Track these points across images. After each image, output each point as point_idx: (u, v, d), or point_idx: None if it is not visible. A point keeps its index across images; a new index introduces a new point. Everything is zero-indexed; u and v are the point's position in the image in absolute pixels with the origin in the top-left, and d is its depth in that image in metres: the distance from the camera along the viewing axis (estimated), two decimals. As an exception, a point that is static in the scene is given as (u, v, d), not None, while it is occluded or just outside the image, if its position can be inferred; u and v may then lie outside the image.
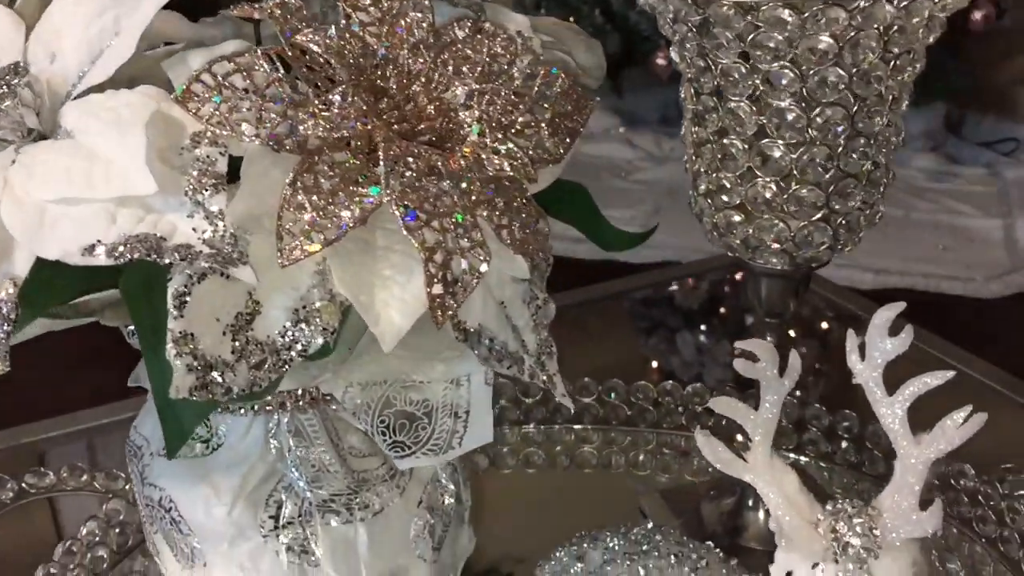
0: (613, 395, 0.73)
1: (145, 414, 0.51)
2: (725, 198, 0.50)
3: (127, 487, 0.64)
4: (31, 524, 0.62)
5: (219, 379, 0.34)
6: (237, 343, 0.34)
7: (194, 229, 0.33)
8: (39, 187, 0.34)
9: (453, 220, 0.36)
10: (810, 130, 0.47)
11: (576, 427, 0.74)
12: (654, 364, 0.88)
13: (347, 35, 0.37)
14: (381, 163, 0.34)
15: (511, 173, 0.38)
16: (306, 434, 0.47)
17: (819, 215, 0.49)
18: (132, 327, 0.45)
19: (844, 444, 0.68)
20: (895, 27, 0.44)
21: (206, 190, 0.34)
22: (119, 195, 0.33)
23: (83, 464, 0.63)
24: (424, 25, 0.39)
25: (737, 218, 0.50)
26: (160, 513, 0.48)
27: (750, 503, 0.60)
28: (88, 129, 0.35)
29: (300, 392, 0.46)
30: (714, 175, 0.50)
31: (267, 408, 0.46)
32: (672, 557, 0.48)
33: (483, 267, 0.36)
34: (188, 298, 0.33)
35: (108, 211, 0.33)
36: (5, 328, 0.33)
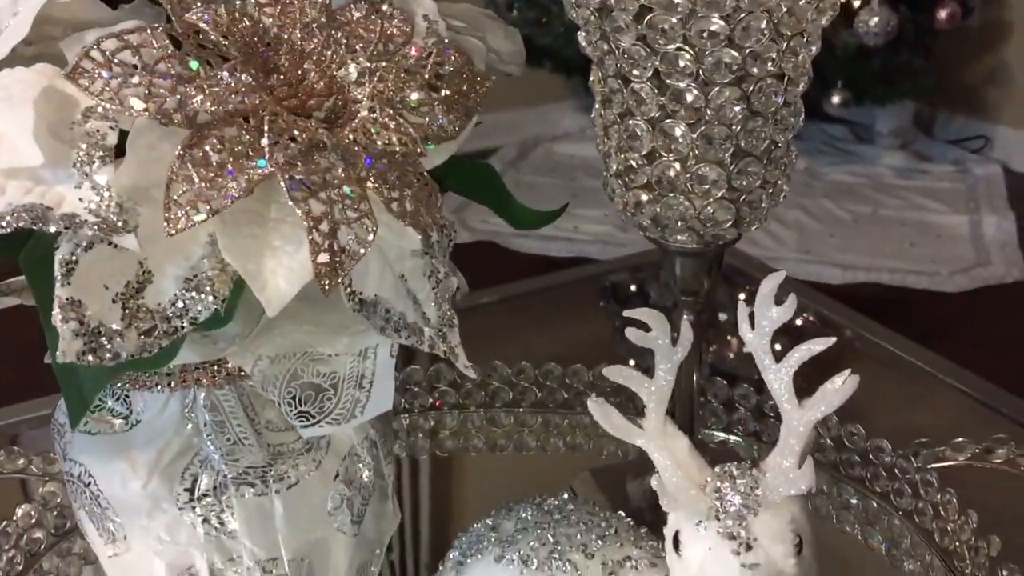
0: (550, 379, 0.75)
1: (69, 395, 0.52)
2: (633, 178, 0.52)
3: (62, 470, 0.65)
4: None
5: (107, 344, 0.35)
6: (127, 310, 0.36)
7: (81, 199, 0.35)
8: (-68, 160, 0.35)
9: (341, 192, 0.37)
10: (708, 110, 0.48)
11: (516, 411, 0.75)
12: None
13: (237, 14, 0.38)
14: (266, 136, 0.36)
15: (399, 148, 0.39)
16: (222, 409, 0.48)
17: (721, 193, 0.50)
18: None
19: (772, 422, 0.70)
20: (783, 9, 0.46)
21: (94, 162, 0.35)
22: (7, 167, 0.35)
23: (19, 448, 0.64)
24: (318, 5, 0.40)
25: (645, 197, 0.52)
26: (80, 488, 0.49)
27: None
28: (-17, 105, 0.36)
29: (216, 368, 0.47)
30: (622, 155, 0.52)
31: (184, 384, 0.48)
32: (581, 524, 0.49)
33: (369, 237, 0.37)
34: (75, 266, 0.35)
35: (-1, 183, 0.35)
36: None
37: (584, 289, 1.00)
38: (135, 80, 0.36)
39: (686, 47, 0.47)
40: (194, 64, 0.36)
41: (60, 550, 0.63)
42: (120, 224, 0.34)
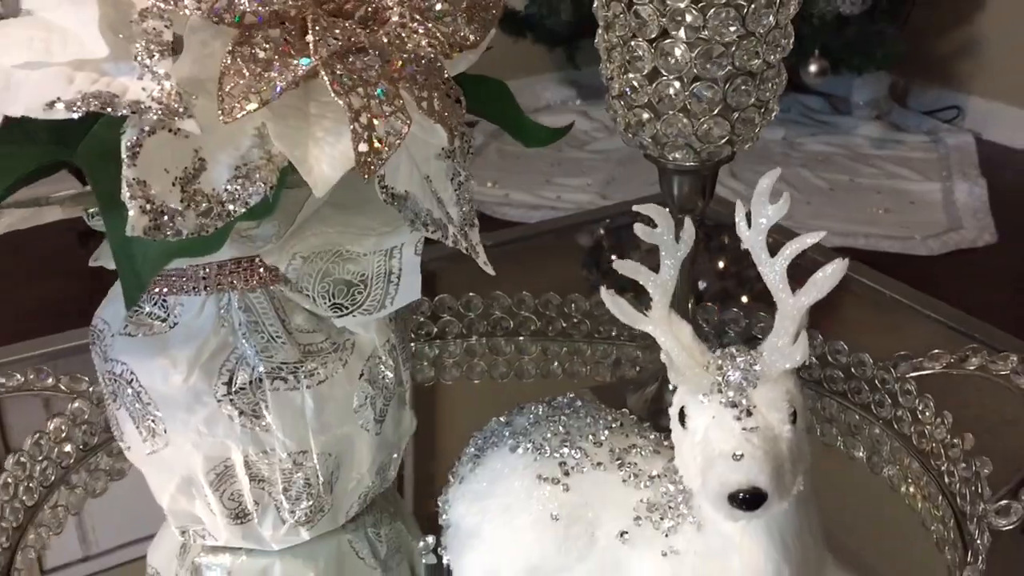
0: (549, 309, 0.79)
1: (107, 302, 0.55)
2: (635, 98, 0.55)
3: (91, 389, 0.68)
4: (4, 421, 0.66)
5: (169, 222, 0.38)
6: (185, 193, 0.39)
7: (143, 88, 0.38)
8: (3, 54, 0.38)
9: (376, 88, 0.40)
10: (706, 30, 0.52)
11: (517, 339, 0.79)
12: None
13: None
14: (311, 34, 0.39)
15: (430, 51, 0.42)
16: (255, 311, 0.51)
17: (717, 111, 0.54)
18: (93, 211, 0.49)
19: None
20: (777, -69, 0.50)
21: (153, 56, 0.38)
22: (75, 59, 0.38)
23: (47, 368, 0.68)
24: (351, -78, 0.43)
25: (646, 116, 0.55)
26: (122, 386, 0.52)
27: (669, 387, 0.66)
28: (46, 6, 0.39)
29: (249, 272, 0.51)
30: (624, 77, 0.55)
31: (219, 288, 0.51)
32: (589, 418, 0.53)
33: (404, 129, 0.40)
34: (139, 150, 0.38)
35: (66, 74, 0.38)
36: (-22, 179, 0.38)
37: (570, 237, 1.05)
38: (185, -16, 0.39)
39: (686, -30, 0.50)
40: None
41: (88, 464, 0.66)
42: (181, 110, 0.37)
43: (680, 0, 0.51)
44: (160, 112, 0.37)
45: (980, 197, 2.43)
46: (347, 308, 0.48)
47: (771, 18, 0.53)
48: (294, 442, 0.53)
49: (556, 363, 0.78)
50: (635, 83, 0.55)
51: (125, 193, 0.38)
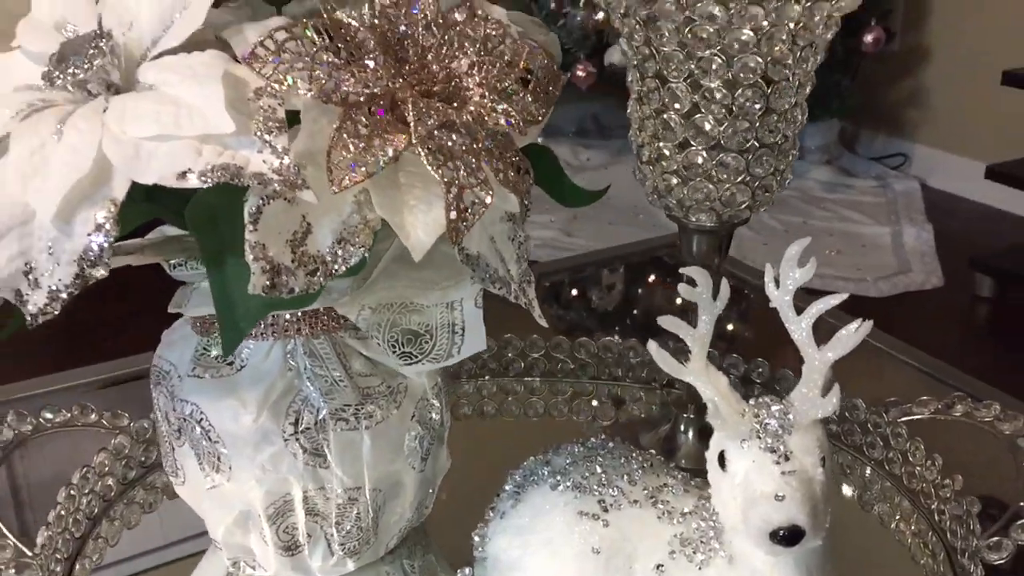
0: (559, 351, 0.83)
1: (169, 345, 0.58)
2: (664, 164, 0.61)
3: (131, 424, 0.71)
4: (49, 454, 0.69)
5: (285, 281, 0.42)
6: (295, 255, 0.43)
7: (264, 161, 0.42)
8: (134, 127, 0.42)
9: (464, 161, 0.45)
10: (734, 107, 0.58)
11: (526, 379, 0.83)
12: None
13: (376, 14, 0.46)
14: (410, 113, 0.44)
15: (506, 128, 0.47)
16: (319, 355, 0.55)
17: (740, 178, 0.60)
18: (174, 261, 0.53)
19: (757, 388, 0.80)
20: (801, 23, 0.55)
21: (272, 131, 0.42)
22: (201, 133, 0.42)
23: (91, 404, 0.71)
24: (433, 8, 0.48)
25: (674, 181, 0.61)
26: (190, 425, 0.56)
27: (681, 428, 0.71)
28: (169, 81, 0.43)
29: (314, 320, 0.55)
30: (655, 145, 0.61)
31: (286, 333, 0.55)
32: (623, 458, 0.58)
33: (487, 199, 0.45)
34: (259, 216, 0.42)
35: (194, 146, 0.42)
36: (108, 237, 0.42)
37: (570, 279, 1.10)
38: (299, 66, 0.44)
39: (720, 53, 0.56)
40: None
41: (127, 497, 0.69)
42: (299, 182, 0.42)
43: (712, 80, 0.57)
44: (280, 184, 0.41)
45: (927, 241, 2.54)
46: (415, 357, 0.52)
47: (791, 98, 0.58)
48: (351, 479, 0.57)
49: (563, 403, 0.82)
50: (666, 151, 0.60)
51: (248, 255, 0.42)
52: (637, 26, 0.57)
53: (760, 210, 0.62)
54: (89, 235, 0.42)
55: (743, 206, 0.61)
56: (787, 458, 0.48)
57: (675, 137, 0.59)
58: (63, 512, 0.63)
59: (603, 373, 0.83)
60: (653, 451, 0.60)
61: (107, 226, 0.42)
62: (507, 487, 0.60)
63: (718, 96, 0.57)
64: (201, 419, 0.55)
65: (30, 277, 0.43)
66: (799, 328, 0.52)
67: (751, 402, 0.51)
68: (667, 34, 0.56)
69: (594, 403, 0.82)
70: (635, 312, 1.05)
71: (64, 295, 0.43)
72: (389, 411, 0.56)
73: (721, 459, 0.50)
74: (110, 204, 0.42)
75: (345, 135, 0.43)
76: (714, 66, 0.56)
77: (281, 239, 0.43)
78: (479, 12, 0.50)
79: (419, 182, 0.46)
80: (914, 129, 2.92)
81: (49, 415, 0.68)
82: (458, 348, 0.52)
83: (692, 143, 0.59)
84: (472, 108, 0.47)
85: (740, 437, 0.49)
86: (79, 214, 0.42)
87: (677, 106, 0.58)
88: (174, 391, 0.57)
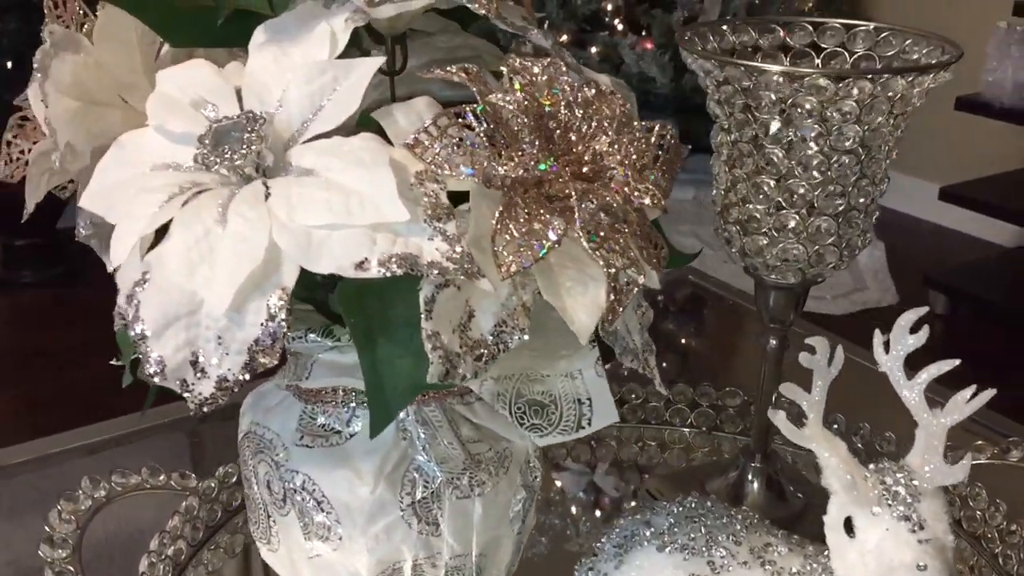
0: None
1: (266, 412, 0.58)
2: (754, 226, 0.62)
3: (198, 485, 0.70)
4: (119, 517, 0.68)
5: (457, 368, 0.42)
6: (462, 341, 0.43)
7: (437, 249, 0.42)
8: (304, 215, 0.42)
9: (615, 243, 0.45)
10: (829, 172, 0.59)
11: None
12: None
13: (527, 95, 0.46)
14: (573, 198, 0.44)
15: (650, 206, 0.48)
16: (431, 423, 0.55)
17: (831, 240, 0.61)
18: (296, 333, 0.53)
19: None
20: (900, 95, 0.57)
21: (440, 218, 0.42)
22: (374, 222, 0.42)
23: (157, 464, 0.69)
24: (575, 86, 0.49)
25: (763, 242, 0.62)
26: (302, 496, 0.55)
27: (749, 477, 0.72)
28: (333, 167, 0.43)
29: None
30: (747, 207, 0.62)
31: (396, 400, 0.55)
32: (724, 518, 0.58)
33: (640, 279, 0.46)
34: (432, 305, 0.42)
35: (368, 235, 0.42)
36: (281, 326, 0.41)
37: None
38: (461, 150, 0.44)
39: (820, 123, 0.57)
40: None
41: (198, 559, 0.68)
42: (476, 270, 0.42)
43: (809, 147, 0.58)
44: (456, 272, 0.41)
45: (879, 260, 2.61)
46: (545, 429, 0.52)
47: (883, 163, 0.60)
48: (460, 546, 0.57)
49: (627, 449, 0.83)
50: (756, 213, 0.61)
51: (427, 345, 0.42)
52: (736, 92, 0.59)
53: (842, 267, 0.64)
54: (262, 324, 0.41)
55: (830, 266, 0.62)
56: (922, 527, 0.49)
57: (768, 200, 0.61)
58: (148, 582, 0.62)
59: (663, 418, 0.84)
60: (746, 508, 0.61)
61: (280, 315, 0.41)
62: (604, 546, 0.60)
63: (815, 162, 0.59)
64: (314, 490, 0.55)
65: (197, 367, 0.42)
66: (912, 393, 0.53)
67: (871, 467, 0.53)
68: (769, 104, 0.57)
69: (642, 451, 0.83)
70: (682, 351, 1.07)
71: (233, 385, 0.42)
72: (499, 477, 0.57)
73: (846, 525, 0.52)
74: (281, 292, 0.42)
75: (508, 220, 0.43)
76: (812, 134, 0.58)
77: (450, 326, 0.43)
78: (602, 88, 0.51)
79: (570, 262, 0.46)
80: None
81: (120, 479, 0.66)
82: (588, 420, 0.53)
83: (784, 206, 0.60)
84: (615, 187, 0.47)
85: (869, 504, 0.51)
86: (251, 303, 0.41)
87: (772, 170, 0.60)
88: (280, 461, 0.56)
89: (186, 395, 0.42)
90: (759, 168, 0.60)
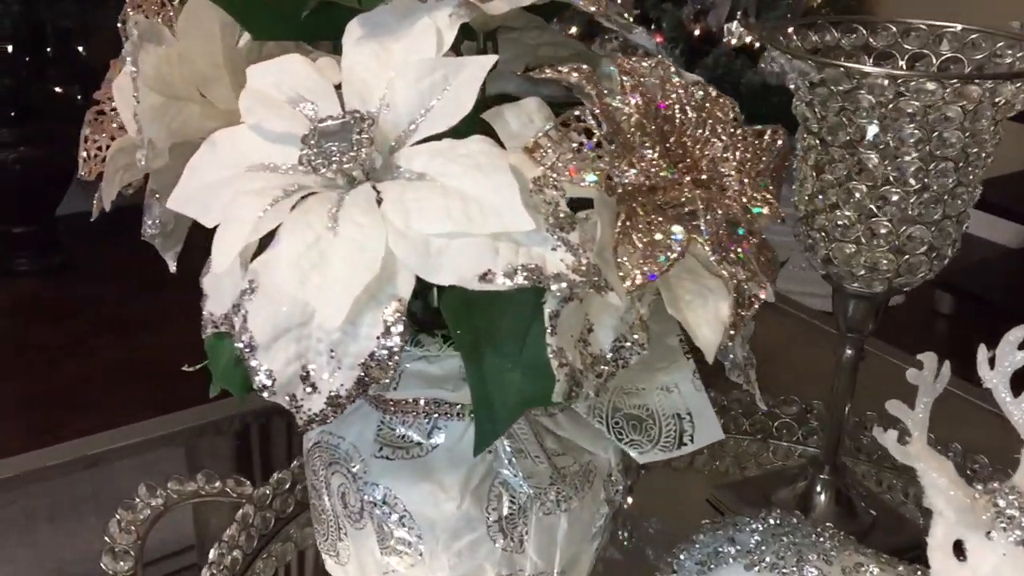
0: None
1: (342, 423, 0.55)
2: (842, 233, 0.60)
3: (253, 492, 0.67)
4: (174, 525, 0.65)
5: (581, 386, 0.40)
6: (583, 356, 0.41)
7: (561, 260, 0.40)
8: (422, 222, 0.39)
9: (736, 254, 0.43)
10: (926, 179, 0.57)
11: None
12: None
13: (646, 99, 0.44)
14: (699, 208, 0.42)
15: (766, 216, 0.46)
16: (517, 435, 0.53)
17: (923, 249, 0.59)
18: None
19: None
20: (1005, 100, 0.55)
21: (563, 227, 0.40)
22: (496, 231, 0.39)
23: (212, 471, 0.67)
24: (686, 87, 0.46)
25: (851, 250, 0.60)
26: (382, 510, 0.53)
27: (817, 489, 0.70)
28: (448, 172, 0.40)
29: (511, 399, 0.52)
30: (835, 213, 0.60)
31: (482, 412, 0.52)
32: (812, 536, 0.57)
33: (762, 293, 0.44)
34: (556, 320, 0.40)
35: (490, 244, 0.39)
36: (397, 339, 0.39)
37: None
38: (580, 156, 0.41)
39: (922, 128, 0.55)
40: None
41: (254, 568, 0.66)
42: (603, 283, 0.39)
43: (908, 153, 0.56)
44: (585, 286, 0.39)
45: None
46: (644, 445, 0.50)
47: (980, 169, 0.58)
48: (543, 562, 0.54)
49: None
50: (845, 220, 0.59)
51: (553, 363, 0.39)
52: (832, 95, 0.56)
53: (931, 275, 0.62)
54: (378, 338, 0.39)
55: (920, 276, 0.60)
56: (1041, 552, 0.47)
57: (859, 207, 0.58)
58: (209, 594, 0.60)
59: (734, 426, 0.82)
60: (830, 524, 0.59)
61: (396, 328, 0.39)
62: (685, 563, 0.59)
63: (912, 169, 0.56)
64: (395, 504, 0.52)
65: (307, 381, 0.40)
66: (1018, 411, 0.51)
67: (979, 488, 0.51)
68: (868, 107, 0.55)
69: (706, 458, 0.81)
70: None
71: (344, 401, 0.40)
72: (584, 492, 0.54)
73: (959, 549, 0.50)
74: (397, 303, 0.39)
75: (630, 229, 0.41)
76: (912, 140, 0.55)
77: (571, 341, 0.41)
78: (710, 90, 0.49)
79: (686, 274, 0.44)
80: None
81: (176, 486, 0.64)
82: (690, 436, 0.50)
83: (877, 213, 0.58)
84: (731, 195, 0.45)
85: (982, 528, 0.49)
86: (366, 315, 0.39)
87: (865, 176, 0.58)
88: (357, 473, 0.54)
89: (294, 411, 0.40)
90: (851, 173, 0.58)
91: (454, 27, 0.44)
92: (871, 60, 0.64)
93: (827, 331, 1.03)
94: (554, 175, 0.41)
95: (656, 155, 0.43)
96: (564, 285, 0.39)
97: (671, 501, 0.76)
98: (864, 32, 0.64)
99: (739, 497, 0.73)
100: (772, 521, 0.58)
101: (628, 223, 0.41)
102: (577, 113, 0.42)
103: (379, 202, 0.40)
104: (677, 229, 0.42)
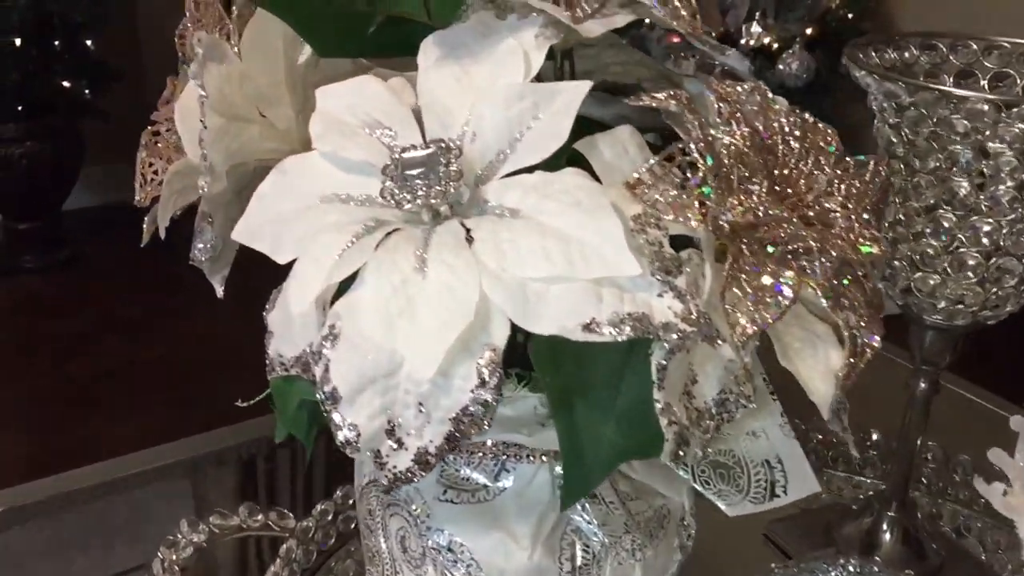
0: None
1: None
2: (929, 263, 0.56)
3: (296, 526, 0.64)
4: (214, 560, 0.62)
5: (691, 445, 0.37)
6: (688, 411, 0.38)
7: (669, 308, 0.36)
8: (518, 265, 0.36)
9: (848, 299, 0.40)
10: (1021, 208, 0.54)
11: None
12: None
13: (746, 128, 0.41)
14: (813, 248, 0.39)
15: (875, 256, 0.42)
16: (590, 480, 0.50)
17: (1012, 283, 0.56)
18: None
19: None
20: (1105, 124, 0.52)
21: (669, 271, 0.37)
22: (600, 276, 0.36)
23: (255, 504, 0.64)
24: (788, 115, 0.43)
25: (935, 281, 0.57)
26: (449, 558, 0.50)
27: (884, 527, 0.67)
28: (544, 209, 0.37)
29: (584, 440, 0.49)
30: (920, 242, 0.56)
31: (556, 456, 0.49)
32: (897, 584, 0.54)
33: (875, 341, 0.40)
34: (664, 372, 0.37)
35: (593, 290, 0.36)
36: (493, 392, 0.36)
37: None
38: (684, 192, 0.38)
39: (1020, 156, 0.52)
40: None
41: (296, 607, 0.63)
42: (715, 333, 0.36)
43: (1003, 181, 0.53)
44: (697, 336, 0.36)
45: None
46: (733, 496, 0.47)
47: (1077, 197, 0.55)
48: (617, 613, 0.51)
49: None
50: (930, 250, 0.56)
51: (662, 420, 0.36)
52: (921, 118, 0.53)
53: (1015, 310, 0.59)
54: (472, 391, 0.36)
55: (1007, 309, 0.57)
56: None
57: (947, 237, 0.55)
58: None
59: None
60: (910, 572, 0.56)
61: (492, 380, 0.36)
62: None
63: (1007, 198, 0.53)
64: (462, 551, 0.49)
65: (393, 436, 0.36)
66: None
67: (1082, 541, 0.48)
68: (962, 132, 0.52)
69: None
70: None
71: (433, 459, 0.36)
72: (658, 539, 0.51)
73: (1065, 608, 0.47)
74: (491, 353, 0.36)
75: (739, 274, 0.38)
76: (1009, 168, 0.52)
77: (677, 395, 0.38)
78: (807, 117, 0.45)
79: (794, 319, 0.41)
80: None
81: (219, 520, 0.61)
82: (783, 488, 0.47)
83: (965, 244, 0.55)
84: (839, 233, 0.42)
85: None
86: (458, 366, 0.36)
87: (956, 204, 0.54)
88: (419, 516, 0.50)
89: (378, 468, 0.37)
90: (939, 201, 0.55)
91: (542, 50, 0.41)
92: (951, 79, 0.61)
93: (885, 357, 1.00)
94: (656, 212, 0.38)
95: (764, 190, 0.39)
96: (674, 336, 0.36)
97: (725, 536, 0.73)
98: (944, 50, 0.61)
99: (799, 533, 0.70)
100: (853, 567, 0.55)
101: (735, 265, 0.38)
102: (681, 145, 0.39)
103: (468, 241, 0.37)
104: (788, 273, 0.39)
